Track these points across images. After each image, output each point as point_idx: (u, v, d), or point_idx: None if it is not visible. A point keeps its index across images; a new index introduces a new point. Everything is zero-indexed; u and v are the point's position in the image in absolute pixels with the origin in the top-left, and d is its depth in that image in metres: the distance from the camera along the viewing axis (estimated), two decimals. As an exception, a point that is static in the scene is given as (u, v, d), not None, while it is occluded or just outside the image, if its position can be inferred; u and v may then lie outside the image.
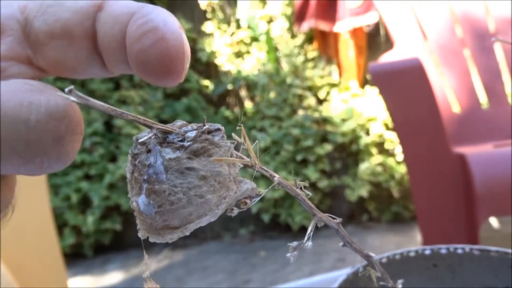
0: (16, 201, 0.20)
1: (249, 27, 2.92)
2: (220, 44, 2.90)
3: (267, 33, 2.87)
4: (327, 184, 2.47)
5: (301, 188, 0.19)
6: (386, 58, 1.51)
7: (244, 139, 0.18)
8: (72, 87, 0.15)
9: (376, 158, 2.48)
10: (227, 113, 2.77)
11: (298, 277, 1.87)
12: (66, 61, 0.18)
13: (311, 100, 2.69)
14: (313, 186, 2.44)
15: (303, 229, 2.38)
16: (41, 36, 0.18)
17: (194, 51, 2.91)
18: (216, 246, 2.44)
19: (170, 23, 0.18)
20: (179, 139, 0.16)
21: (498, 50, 1.57)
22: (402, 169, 2.40)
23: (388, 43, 2.60)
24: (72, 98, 0.15)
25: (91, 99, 0.15)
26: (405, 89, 1.17)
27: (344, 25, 2.61)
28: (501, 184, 1.05)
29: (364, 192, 2.43)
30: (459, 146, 1.33)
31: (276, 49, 2.89)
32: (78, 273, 2.26)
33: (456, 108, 1.55)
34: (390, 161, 2.47)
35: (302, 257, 2.08)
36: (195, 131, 0.16)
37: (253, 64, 2.87)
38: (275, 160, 2.49)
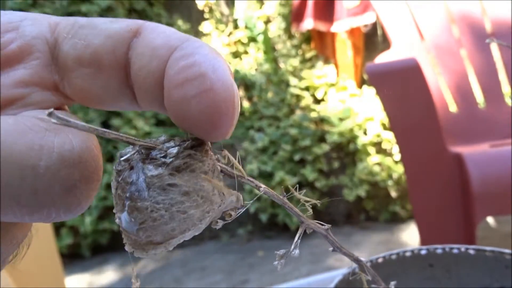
0: (31, 238, 0.18)
1: (246, 27, 2.92)
2: (217, 44, 2.90)
3: (265, 33, 2.87)
4: (324, 184, 2.48)
5: (306, 201, 0.19)
6: (383, 58, 1.51)
7: (228, 158, 0.17)
8: (52, 110, 0.14)
9: (374, 158, 2.48)
10: (225, 113, 2.77)
11: (296, 277, 1.88)
12: (93, 92, 0.16)
13: (308, 100, 2.69)
14: (310, 186, 2.45)
15: (301, 229, 2.39)
16: (69, 62, 0.16)
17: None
18: (213, 246, 2.44)
19: (221, 70, 0.15)
20: (162, 155, 0.15)
21: (495, 49, 1.57)
22: (400, 168, 2.41)
23: (385, 43, 2.61)
24: (53, 120, 0.14)
25: (72, 120, 0.14)
26: (402, 89, 1.17)
27: (342, 25, 2.61)
28: (498, 183, 1.05)
29: (361, 191, 2.43)
30: (456, 146, 1.33)
31: (273, 49, 2.89)
32: (75, 273, 2.25)
33: (453, 108, 1.56)
34: (388, 160, 2.47)
35: (300, 257, 2.08)
36: (177, 147, 0.16)
37: (250, 64, 2.87)
38: (273, 160, 2.49)
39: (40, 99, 0.16)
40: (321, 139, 2.56)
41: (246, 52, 2.95)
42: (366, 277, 0.20)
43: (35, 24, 0.16)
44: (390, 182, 2.44)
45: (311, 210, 0.18)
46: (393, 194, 2.45)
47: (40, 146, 0.14)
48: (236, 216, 0.17)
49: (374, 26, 2.69)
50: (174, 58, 0.15)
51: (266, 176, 2.44)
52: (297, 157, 2.47)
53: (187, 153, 0.16)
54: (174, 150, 0.16)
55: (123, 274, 2.19)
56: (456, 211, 1.16)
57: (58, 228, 2.36)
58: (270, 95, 2.74)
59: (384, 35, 2.58)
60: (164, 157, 0.15)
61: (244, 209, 0.17)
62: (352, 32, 2.69)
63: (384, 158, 2.48)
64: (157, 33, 0.16)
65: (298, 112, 2.65)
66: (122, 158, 0.16)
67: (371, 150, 2.50)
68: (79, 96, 0.17)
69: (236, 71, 2.84)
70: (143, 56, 0.16)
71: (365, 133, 2.54)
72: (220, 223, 0.17)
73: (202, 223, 0.16)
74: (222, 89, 0.15)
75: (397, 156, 2.44)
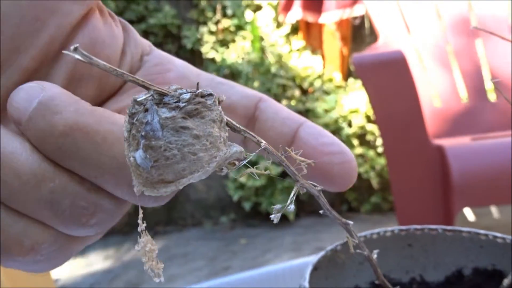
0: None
1: (234, 15, 2.90)
2: (205, 32, 2.88)
3: (253, 22, 2.86)
4: (308, 174, 2.50)
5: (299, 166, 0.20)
6: (371, 50, 1.52)
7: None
8: (77, 45, 0.15)
9: (357, 150, 2.51)
10: (211, 101, 2.76)
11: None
12: None
13: (294, 91, 2.70)
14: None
15: (284, 218, 2.41)
16: None
17: (179, 38, 2.89)
18: (196, 233, 2.45)
19: (348, 150, 0.23)
20: (175, 100, 0.17)
21: (479, 46, 1.60)
22: (382, 161, 2.44)
23: (373, 36, 2.62)
24: (77, 56, 0.15)
25: (94, 58, 0.16)
26: (387, 81, 1.19)
27: (331, 17, 2.61)
28: (477, 175, 1.08)
29: (344, 182, 2.45)
30: (438, 139, 1.36)
31: (261, 39, 2.89)
32: (56, 258, 2.24)
33: (437, 102, 1.58)
34: (371, 152, 2.50)
35: (282, 245, 2.10)
36: (189, 94, 0.17)
37: (237, 53, 2.86)
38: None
39: None
40: (306, 129, 2.57)
41: (233, 41, 2.94)
42: (353, 241, 0.21)
43: (184, 66, 0.24)
44: (372, 174, 2.47)
45: (305, 170, 0.19)
46: (375, 186, 2.49)
47: None
48: (239, 166, 0.19)
49: (362, 18, 2.70)
50: (309, 133, 0.23)
51: (250, 165, 2.45)
52: (282, 147, 2.48)
53: (198, 100, 0.17)
54: (187, 96, 0.17)
55: (105, 260, 2.19)
56: (436, 202, 1.19)
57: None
58: (256, 84, 2.74)
59: (372, 28, 2.59)
60: (177, 102, 0.17)
61: (246, 161, 0.19)
62: (341, 24, 2.69)
63: (367, 150, 2.51)
64: (276, 107, 0.24)
65: (284, 102, 2.66)
66: (136, 100, 0.17)
67: (355, 141, 2.53)
68: None
69: (223, 60, 2.83)
70: (274, 120, 0.23)
71: (349, 125, 2.57)
72: (225, 170, 0.19)
73: (210, 166, 0.17)
74: (354, 162, 0.23)
75: (380, 148, 2.47)
